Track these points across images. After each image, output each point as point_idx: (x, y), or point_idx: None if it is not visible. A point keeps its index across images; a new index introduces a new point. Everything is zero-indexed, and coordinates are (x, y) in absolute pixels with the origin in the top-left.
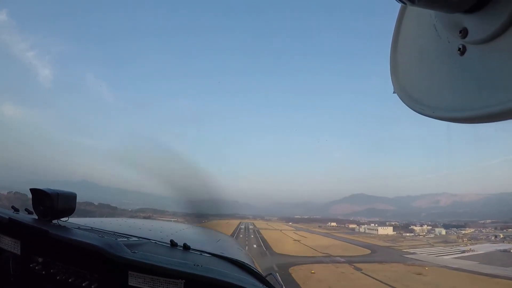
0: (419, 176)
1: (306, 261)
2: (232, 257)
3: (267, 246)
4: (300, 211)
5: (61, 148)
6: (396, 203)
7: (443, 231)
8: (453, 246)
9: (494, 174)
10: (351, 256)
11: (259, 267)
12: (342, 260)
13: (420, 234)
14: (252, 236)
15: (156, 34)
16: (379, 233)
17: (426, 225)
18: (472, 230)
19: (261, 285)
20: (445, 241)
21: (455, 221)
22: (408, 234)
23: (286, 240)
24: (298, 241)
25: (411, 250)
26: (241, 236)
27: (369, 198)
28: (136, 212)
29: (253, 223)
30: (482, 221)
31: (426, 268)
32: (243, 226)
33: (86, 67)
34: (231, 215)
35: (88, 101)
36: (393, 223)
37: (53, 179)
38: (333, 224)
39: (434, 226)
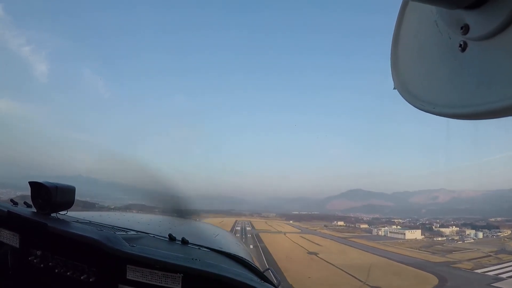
0: (415, 171)
1: None
2: (230, 251)
3: (277, 270)
4: (296, 206)
5: (57, 143)
6: (393, 199)
7: (480, 234)
8: None
9: (491, 171)
10: None
11: (257, 262)
12: None
13: (455, 238)
14: (251, 246)
15: (152, 30)
16: (406, 237)
17: (453, 226)
18: (509, 231)
19: (258, 279)
20: (502, 249)
21: (462, 218)
22: (440, 239)
23: (299, 253)
24: (316, 254)
25: (488, 271)
26: None
27: (367, 194)
28: (119, 210)
29: (250, 222)
30: (492, 219)
31: None
32: (239, 228)
33: (82, 62)
34: (227, 211)
35: (84, 97)
36: (400, 220)
37: (48, 174)
38: (341, 223)
39: (458, 226)
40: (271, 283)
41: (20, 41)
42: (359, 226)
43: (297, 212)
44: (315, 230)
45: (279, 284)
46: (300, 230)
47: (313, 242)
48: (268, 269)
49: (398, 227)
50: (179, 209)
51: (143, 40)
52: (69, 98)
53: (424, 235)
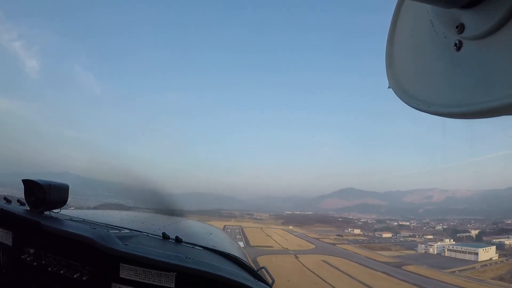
0: (406, 170)
1: None
2: (224, 250)
3: None
4: (288, 205)
5: (45, 140)
6: (387, 198)
7: None
8: None
9: (486, 170)
10: None
11: (251, 261)
12: None
13: None
14: None
15: (146, 26)
16: (479, 258)
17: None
18: None
19: (252, 278)
20: None
21: (474, 220)
22: None
23: None
24: None
25: None
26: None
27: (359, 193)
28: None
29: (241, 230)
30: (508, 221)
31: None
32: None
33: (74, 58)
34: (215, 211)
35: (75, 93)
36: (407, 223)
37: (35, 171)
38: (357, 231)
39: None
40: (265, 282)
41: (11, 36)
42: (381, 235)
43: (290, 212)
44: (335, 245)
45: (273, 283)
46: (315, 246)
47: (362, 283)
48: (262, 268)
49: (451, 240)
50: (165, 208)
51: (138, 37)
52: (60, 94)
53: (498, 253)
